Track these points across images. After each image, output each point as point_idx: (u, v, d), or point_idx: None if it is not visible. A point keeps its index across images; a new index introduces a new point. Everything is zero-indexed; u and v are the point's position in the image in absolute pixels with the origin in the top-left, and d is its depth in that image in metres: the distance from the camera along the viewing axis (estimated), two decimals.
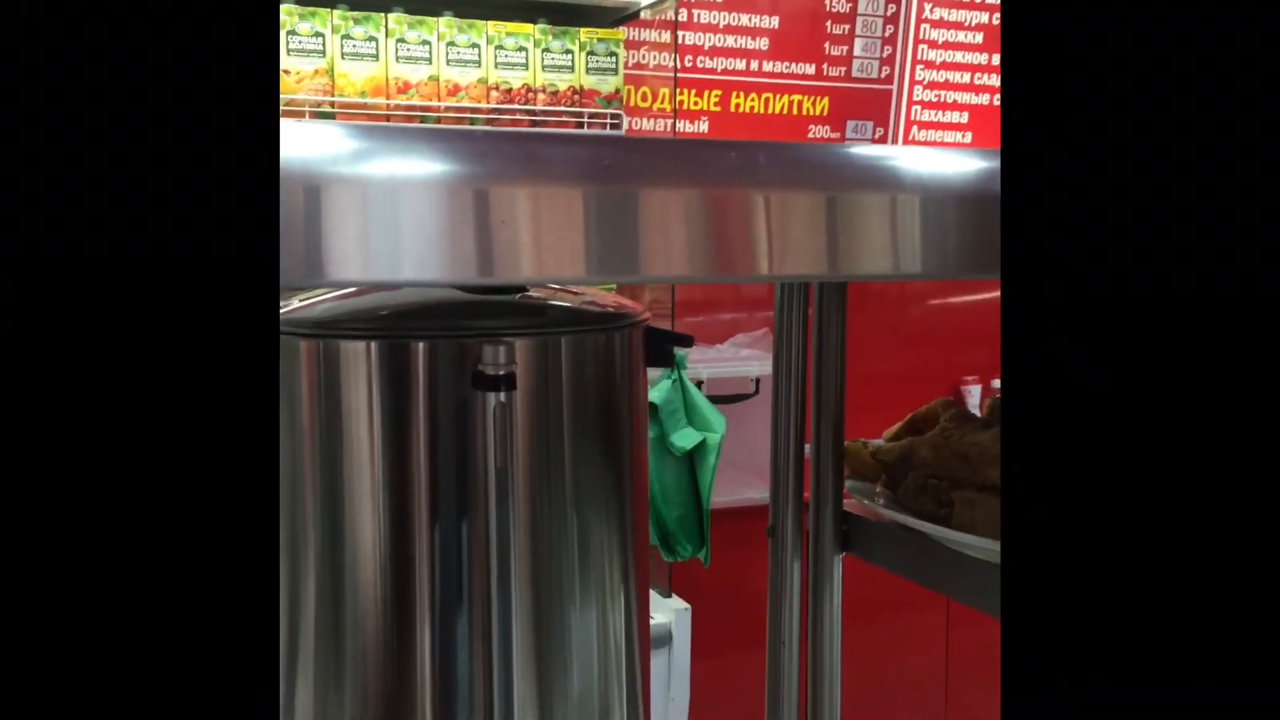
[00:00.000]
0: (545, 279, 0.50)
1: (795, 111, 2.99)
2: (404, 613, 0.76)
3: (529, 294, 0.86)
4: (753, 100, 2.93)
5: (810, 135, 3.01)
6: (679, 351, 2.26)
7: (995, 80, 3.16)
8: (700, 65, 2.87)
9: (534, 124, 2.26)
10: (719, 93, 2.90)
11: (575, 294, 0.88)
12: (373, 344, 0.75)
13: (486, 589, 0.77)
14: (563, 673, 0.81)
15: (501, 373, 0.72)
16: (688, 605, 2.26)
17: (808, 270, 0.53)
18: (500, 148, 0.48)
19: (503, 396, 0.73)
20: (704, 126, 2.90)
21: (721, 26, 2.87)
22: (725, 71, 2.90)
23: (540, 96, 2.25)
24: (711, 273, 0.50)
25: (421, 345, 0.75)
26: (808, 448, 0.91)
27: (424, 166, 0.45)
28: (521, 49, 2.23)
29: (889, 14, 3.00)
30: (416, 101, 2.16)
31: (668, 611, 2.24)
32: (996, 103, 3.17)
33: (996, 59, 3.14)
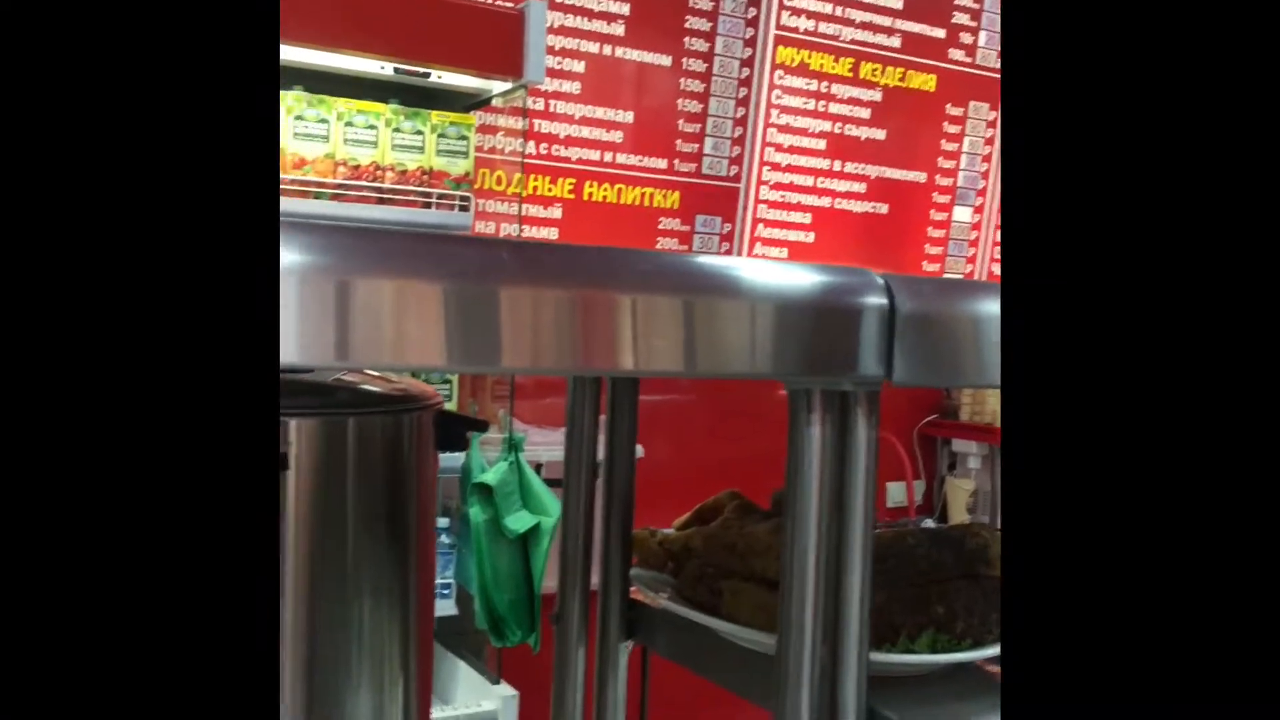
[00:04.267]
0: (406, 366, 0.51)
1: (647, 203, 3.07)
2: None
3: (340, 377, 0.86)
4: (606, 190, 3.01)
5: (660, 227, 3.09)
6: (517, 434, 2.26)
7: (836, 185, 3.32)
8: (555, 153, 2.93)
9: (381, 201, 2.26)
10: (573, 181, 2.96)
11: (376, 378, 0.89)
12: None
13: None
14: None
15: None
16: (515, 691, 2.22)
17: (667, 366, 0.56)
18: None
19: None
20: (557, 213, 2.95)
21: (578, 118, 2.94)
22: (580, 161, 2.96)
23: (389, 175, 2.26)
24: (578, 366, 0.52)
25: None
26: None
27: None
28: (372, 127, 2.24)
29: (738, 116, 3.14)
30: None
31: (495, 698, 2.20)
32: (837, 205, 3.33)
33: (838, 165, 3.31)
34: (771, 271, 0.63)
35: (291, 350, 0.46)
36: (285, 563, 0.75)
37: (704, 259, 0.62)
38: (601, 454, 0.91)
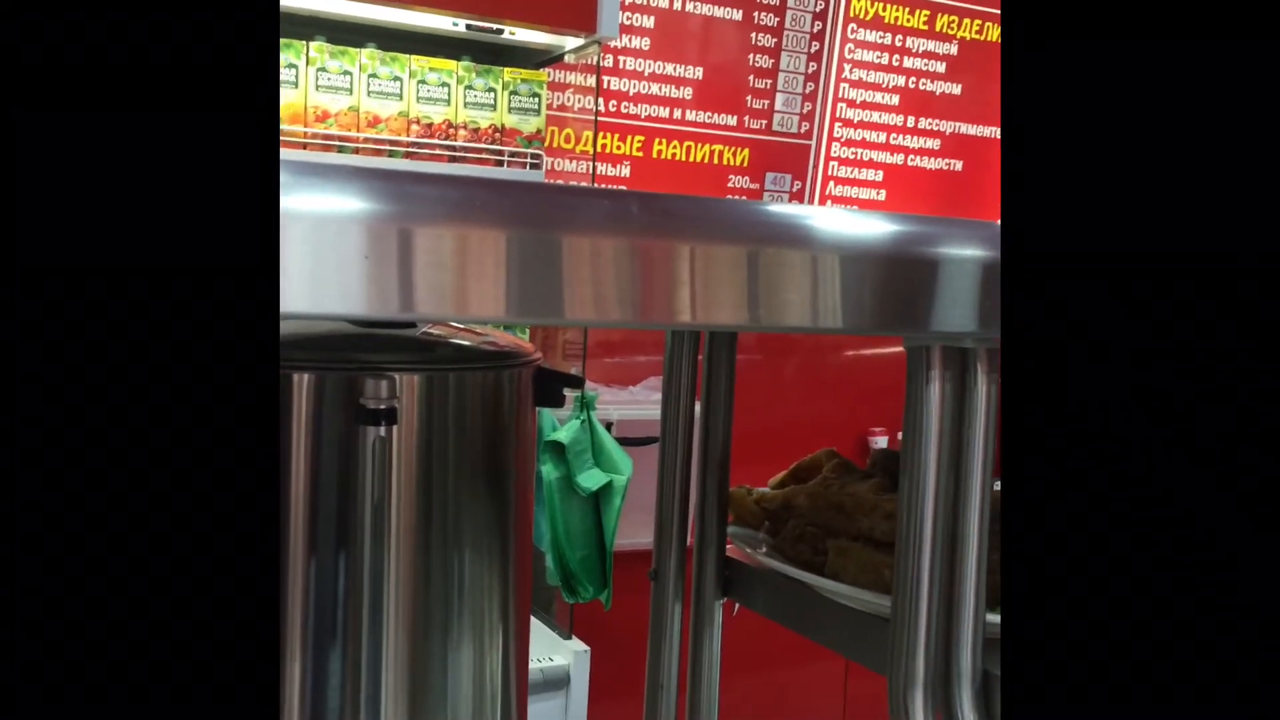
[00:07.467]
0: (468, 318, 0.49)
1: (716, 161, 3.04)
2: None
3: (428, 330, 0.86)
4: (675, 148, 2.98)
5: (730, 185, 3.06)
6: (588, 392, 2.26)
7: (910, 141, 3.26)
8: (624, 111, 2.90)
9: (453, 159, 2.26)
10: (642, 138, 2.94)
11: (474, 333, 0.89)
12: None
13: (359, 626, 0.76)
14: (436, 712, 0.80)
15: (383, 407, 0.72)
16: (587, 647, 2.25)
17: (729, 320, 0.54)
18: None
19: (382, 431, 0.73)
20: (626, 171, 2.93)
21: (646, 74, 2.91)
22: (649, 118, 2.94)
23: (461, 133, 2.26)
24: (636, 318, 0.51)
25: (307, 377, 0.75)
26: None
27: (352, 204, 0.45)
28: (444, 84, 2.24)
29: (810, 71, 3.08)
30: (335, 131, 2.15)
31: (567, 653, 2.22)
32: (910, 163, 3.27)
33: (912, 121, 3.24)
34: (890, 224, 0.61)
35: (358, 302, 0.45)
36: (391, 514, 0.75)
37: (821, 210, 0.61)
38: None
